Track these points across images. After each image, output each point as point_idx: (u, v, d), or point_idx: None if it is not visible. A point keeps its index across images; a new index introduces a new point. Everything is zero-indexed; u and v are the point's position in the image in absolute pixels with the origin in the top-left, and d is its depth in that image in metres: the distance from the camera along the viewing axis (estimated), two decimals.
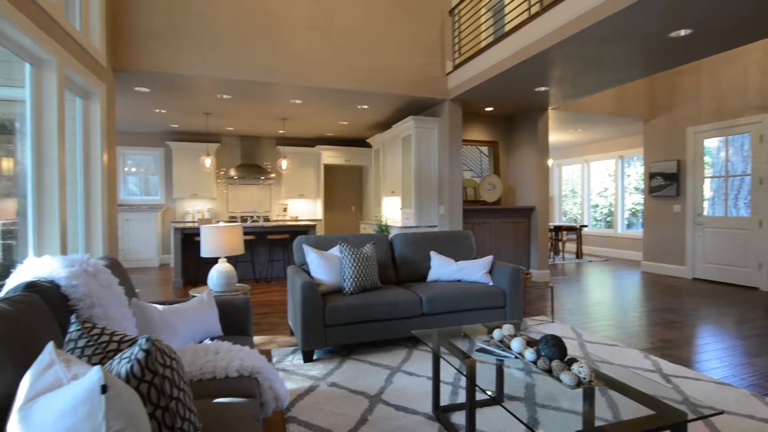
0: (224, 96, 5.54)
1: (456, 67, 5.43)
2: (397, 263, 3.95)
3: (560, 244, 9.21)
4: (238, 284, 4.09)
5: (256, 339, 3.65)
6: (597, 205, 10.15)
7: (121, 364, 1.04)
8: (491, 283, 3.68)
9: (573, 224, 9.26)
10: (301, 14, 4.94)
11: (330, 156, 8.99)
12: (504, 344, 2.10)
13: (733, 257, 6.06)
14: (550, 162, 11.04)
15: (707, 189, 6.52)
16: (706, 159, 6.55)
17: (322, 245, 3.71)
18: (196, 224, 6.88)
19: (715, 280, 6.30)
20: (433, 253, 3.93)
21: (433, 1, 5.57)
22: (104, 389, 0.83)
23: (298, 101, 5.85)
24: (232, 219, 8.71)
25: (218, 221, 8.01)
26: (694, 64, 6.52)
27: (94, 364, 1.22)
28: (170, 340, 2.07)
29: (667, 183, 6.93)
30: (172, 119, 7.09)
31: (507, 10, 6.12)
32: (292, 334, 3.77)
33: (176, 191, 8.21)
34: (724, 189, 6.29)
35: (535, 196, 6.46)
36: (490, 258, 3.82)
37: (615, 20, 3.32)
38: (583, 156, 10.24)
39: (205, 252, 3.66)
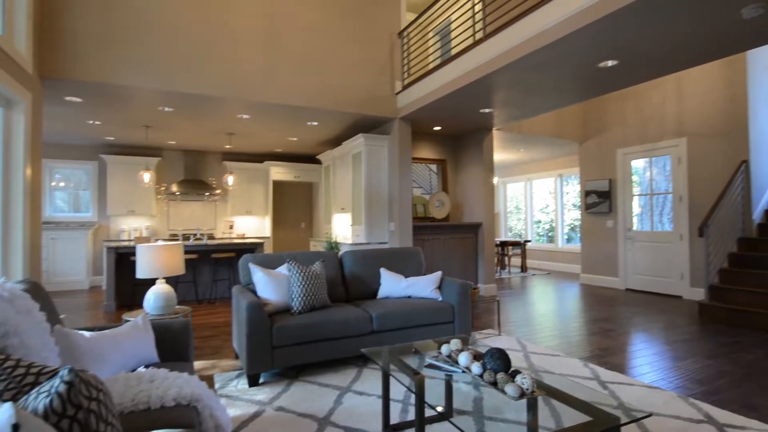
0: (166, 109, 5.31)
1: (405, 87, 5.57)
2: (347, 281, 3.91)
3: (506, 258, 9.56)
4: (177, 306, 3.86)
5: (198, 364, 3.45)
6: (540, 221, 10.68)
7: (39, 399, 0.94)
8: (440, 299, 3.73)
9: (518, 239, 9.66)
10: (251, 29, 4.88)
11: (279, 172, 8.84)
12: (452, 359, 2.12)
13: (660, 268, 6.58)
14: (495, 180, 11.52)
15: (636, 206, 7.06)
16: (634, 178, 7.11)
17: (270, 263, 3.60)
18: (132, 243, 6.46)
19: (644, 290, 6.79)
20: (383, 270, 3.93)
21: (383, 23, 5.71)
22: (15, 428, 0.74)
23: (245, 116, 5.72)
24: (173, 237, 8.26)
25: (157, 239, 7.58)
26: (620, 92, 7.13)
27: (5, 401, 1.09)
28: (98, 369, 1.90)
29: (601, 200, 7.44)
30: (108, 131, 6.68)
31: (453, 35, 6.40)
32: (236, 357, 3.59)
33: (111, 208, 7.68)
34: (650, 206, 6.85)
35: (482, 213, 6.69)
36: (438, 274, 3.88)
37: (549, 50, 3.56)
38: (525, 174, 10.78)
39: (142, 273, 3.43)
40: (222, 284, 6.61)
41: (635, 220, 7.05)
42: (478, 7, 5.80)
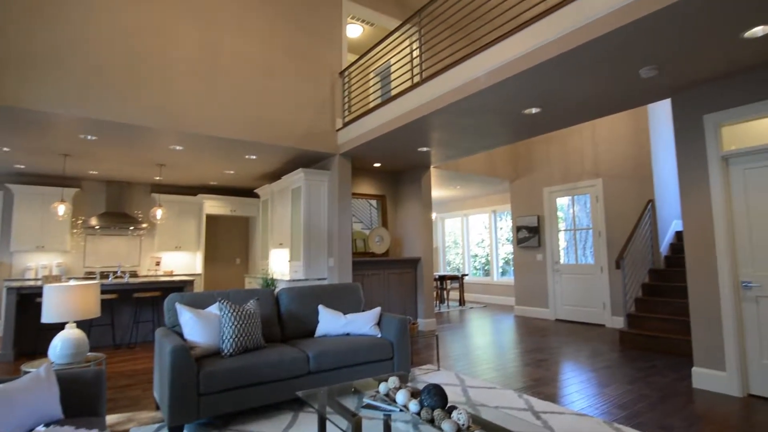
0: (89, 137, 4.95)
1: (345, 125, 5.67)
2: (283, 319, 3.75)
3: (445, 292, 9.74)
4: (90, 353, 3.47)
5: (111, 418, 3.08)
6: (476, 255, 11.07)
7: None
8: (379, 335, 3.68)
9: (456, 273, 9.91)
10: (190, 60, 4.76)
11: (214, 205, 8.48)
12: (390, 398, 2.07)
13: (584, 299, 7.02)
14: (433, 215, 11.88)
15: (562, 240, 7.57)
16: (560, 214, 7.66)
17: (200, 303, 3.37)
18: (39, 282, 5.78)
19: (572, 319, 7.18)
20: (321, 307, 3.83)
21: (325, 62, 5.84)
22: None
23: (178, 148, 5.48)
24: (90, 275, 7.53)
25: (69, 278, 6.86)
26: (545, 136, 7.78)
27: None
28: None
29: (531, 235, 7.89)
30: (17, 159, 6.08)
31: (393, 76, 6.69)
32: (157, 408, 3.26)
33: (15, 243, 6.88)
34: (574, 240, 7.38)
35: (421, 248, 6.82)
36: (377, 310, 3.85)
37: (480, 97, 3.82)
38: (462, 210, 11.22)
39: (48, 316, 3.06)
40: (144, 327, 6.06)
41: (562, 253, 7.53)
42: (416, 53, 6.14)
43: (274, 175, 7.46)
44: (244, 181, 8.05)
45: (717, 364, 3.59)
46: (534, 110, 4.18)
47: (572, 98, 3.89)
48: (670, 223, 6.45)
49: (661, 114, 6.56)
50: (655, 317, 5.25)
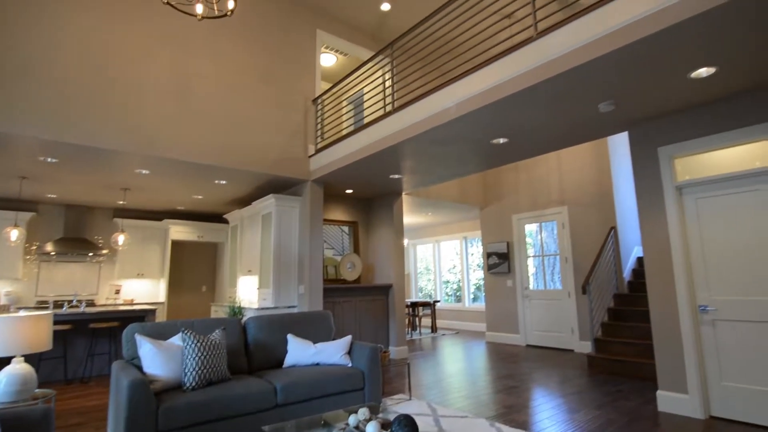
0: (49, 159, 4.76)
1: (318, 151, 5.69)
2: (251, 349, 3.62)
3: (417, 319, 9.68)
4: (38, 390, 3.22)
5: None
6: (448, 281, 11.12)
7: None
8: (350, 365, 3.60)
9: (428, 300, 9.89)
10: (162, 84, 4.70)
11: (180, 231, 8.23)
12: (360, 430, 2.01)
13: (553, 324, 7.13)
14: (405, 242, 11.92)
15: (531, 266, 7.72)
16: (528, 240, 7.84)
17: (161, 333, 3.22)
18: None
19: (542, 345, 7.26)
20: (290, 336, 3.72)
21: (298, 89, 5.89)
22: None
23: (145, 172, 5.34)
24: (42, 304, 7.09)
25: (19, 308, 6.44)
26: (514, 164, 8.03)
27: None
28: None
29: (501, 261, 8.02)
30: None
31: (366, 105, 6.81)
32: None
33: None
34: (542, 266, 7.54)
35: (393, 274, 6.80)
36: (348, 338, 3.77)
37: (449, 127, 3.93)
38: (434, 236, 11.32)
39: None
40: (100, 360, 5.71)
41: (531, 279, 7.67)
42: (388, 83, 6.29)
43: (244, 201, 7.34)
44: (213, 206, 7.88)
45: (680, 387, 3.68)
46: (502, 140, 4.33)
47: (537, 130, 4.06)
48: (632, 249, 6.71)
49: (620, 145, 6.91)
50: (621, 341, 5.38)
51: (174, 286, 8.67)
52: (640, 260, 6.65)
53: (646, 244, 3.98)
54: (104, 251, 7.48)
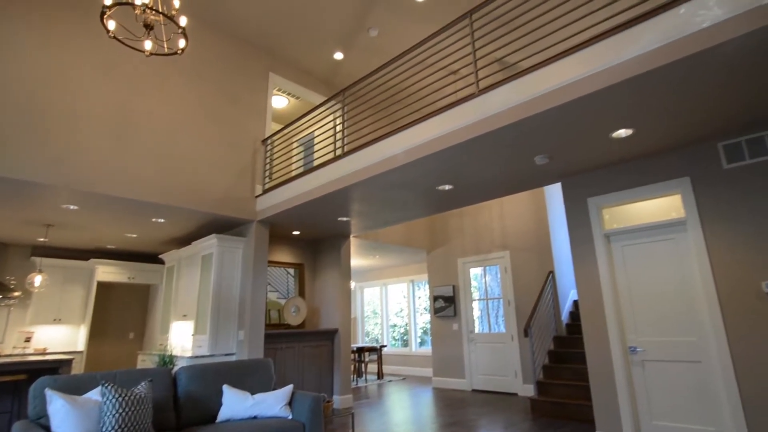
0: None
1: (265, 191, 5.59)
2: (181, 403, 3.31)
3: (363, 365, 9.40)
4: None
5: None
6: (395, 325, 11.00)
7: None
8: (290, 417, 3.38)
9: (374, 345, 9.69)
10: (100, 116, 4.47)
11: (108, 272, 7.59)
12: None
13: (498, 368, 7.19)
14: (352, 285, 11.77)
15: (476, 309, 7.85)
16: (474, 284, 8.01)
17: (77, 387, 2.87)
18: None
19: (487, 389, 7.27)
20: (226, 387, 3.46)
21: (248, 128, 5.84)
22: None
23: (73, 207, 4.95)
24: None
25: None
26: (459, 210, 8.32)
27: None
28: None
29: (447, 304, 8.09)
30: None
31: (316, 147, 6.87)
32: None
33: None
34: (486, 309, 7.69)
35: (339, 318, 6.62)
36: (289, 388, 3.57)
37: (397, 172, 4.04)
38: (381, 279, 11.28)
39: None
40: (1, 419, 4.95)
41: (477, 322, 7.78)
42: (339, 127, 6.42)
43: (184, 240, 6.97)
44: (148, 245, 7.40)
45: (615, 428, 3.80)
46: (447, 187, 4.50)
47: (480, 178, 4.27)
48: (569, 292, 7.05)
49: (555, 194, 7.42)
50: (562, 384, 5.51)
51: (96, 333, 7.87)
52: (576, 303, 6.98)
53: (580, 288, 4.21)
54: (16, 293, 6.69)
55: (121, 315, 8.24)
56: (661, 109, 2.98)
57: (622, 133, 3.34)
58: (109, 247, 7.49)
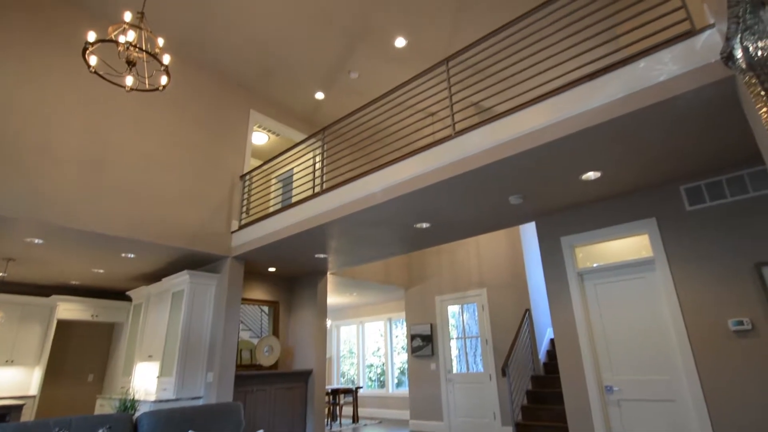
0: None
1: (242, 227, 5.52)
2: None
3: (338, 408, 9.04)
4: None
5: None
6: (372, 365, 10.71)
7: None
8: None
9: (350, 386, 9.37)
10: (72, 148, 4.38)
11: (70, 309, 7.20)
12: None
13: (476, 409, 7.04)
14: (328, 323, 11.51)
15: (454, 348, 7.75)
16: (452, 322, 7.95)
17: None
18: None
19: None
20: None
21: (227, 163, 5.82)
22: None
23: (38, 241, 4.74)
24: None
25: None
26: (437, 247, 8.37)
27: None
28: None
29: (425, 344, 7.97)
30: None
31: (295, 184, 6.88)
32: None
33: None
34: (464, 348, 7.60)
35: (314, 358, 6.42)
36: None
37: (375, 210, 4.09)
38: (358, 317, 11.08)
39: None
40: None
41: (454, 361, 7.66)
42: (318, 164, 6.48)
43: (154, 276, 6.73)
44: (116, 281, 7.10)
45: None
46: (425, 225, 4.55)
47: (456, 217, 4.34)
48: (545, 330, 7.07)
49: (530, 232, 7.58)
50: (541, 425, 5.42)
51: (53, 376, 7.36)
52: (553, 342, 6.99)
53: (556, 326, 4.24)
54: None
55: (80, 356, 7.76)
56: (625, 153, 3.15)
57: (591, 175, 3.49)
58: (73, 282, 7.15)
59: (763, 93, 1.34)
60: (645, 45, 2.91)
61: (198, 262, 5.88)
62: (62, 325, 7.60)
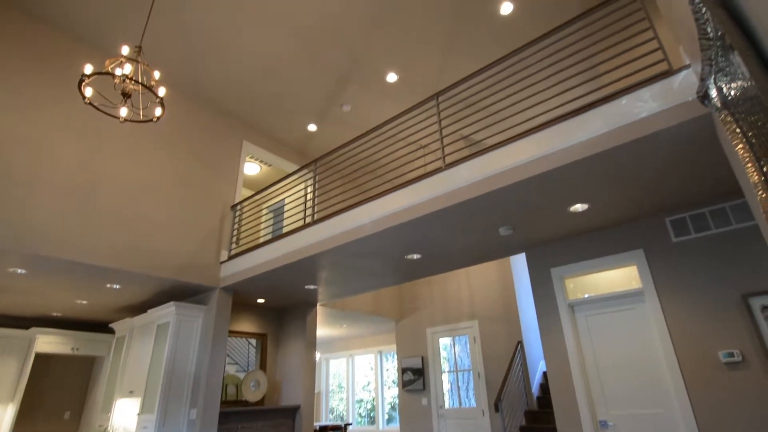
0: None
1: (231, 257, 5.46)
2: None
3: None
4: None
5: None
6: (362, 400, 10.41)
7: None
8: None
9: (339, 423, 9.06)
10: (59, 174, 4.35)
11: (50, 342, 6.95)
12: None
13: None
14: (317, 356, 11.23)
15: (446, 382, 7.59)
16: (443, 354, 7.81)
17: None
18: None
19: None
20: None
21: (218, 193, 5.82)
22: None
23: (21, 271, 4.63)
24: None
25: None
26: (428, 278, 8.33)
27: None
28: None
29: (416, 377, 7.80)
30: None
31: (286, 214, 6.88)
32: None
33: None
34: (456, 382, 7.44)
35: (302, 393, 6.23)
36: None
37: (366, 241, 4.09)
38: (348, 350, 10.84)
39: None
40: None
41: (446, 396, 7.48)
42: (309, 195, 6.51)
43: (139, 308, 6.56)
44: (99, 313, 6.91)
45: None
46: (415, 256, 4.55)
47: (447, 248, 4.36)
48: (538, 363, 6.98)
49: (521, 263, 7.60)
50: None
51: (27, 413, 7.01)
52: (545, 375, 6.88)
53: (548, 359, 4.19)
54: None
55: (57, 391, 7.44)
56: (612, 186, 3.22)
57: (579, 207, 3.55)
58: (54, 314, 6.94)
59: (738, 130, 1.40)
60: (626, 83, 3.04)
61: (185, 293, 5.77)
62: (40, 358, 7.32)
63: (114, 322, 7.15)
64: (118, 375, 6.28)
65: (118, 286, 5.33)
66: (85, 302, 6.17)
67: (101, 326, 7.82)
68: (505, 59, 3.69)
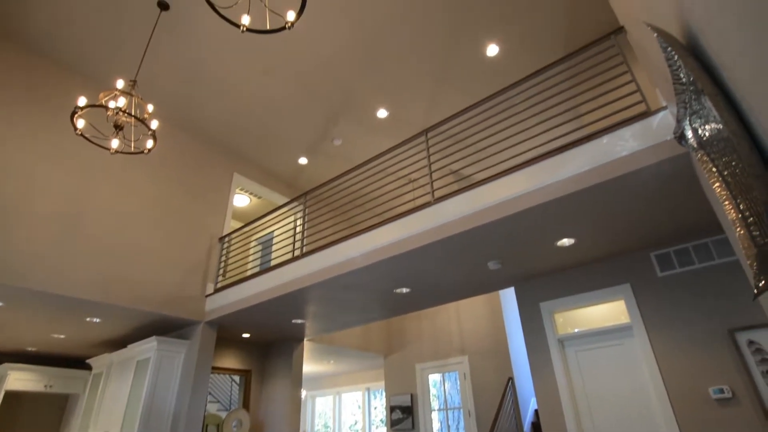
0: None
1: (217, 290, 5.36)
2: None
3: None
4: None
5: None
6: None
7: None
8: None
9: None
10: (41, 203, 4.29)
11: (21, 379, 6.62)
12: None
13: None
14: (303, 393, 10.87)
15: (436, 420, 7.36)
16: (433, 391, 7.62)
17: None
18: None
19: None
20: None
21: (206, 225, 5.77)
22: None
23: None
24: None
25: None
26: (417, 313, 8.23)
27: None
28: None
29: (405, 416, 7.56)
30: None
31: (275, 247, 6.82)
32: None
33: None
34: (446, 420, 7.23)
35: None
36: None
37: (355, 275, 4.06)
38: (335, 387, 10.52)
39: None
40: None
41: None
42: (299, 228, 6.49)
43: (118, 343, 6.34)
44: (76, 348, 6.65)
45: None
46: (404, 290, 4.52)
47: (436, 282, 4.35)
48: (529, 400, 6.83)
49: (510, 298, 7.57)
50: None
51: None
52: (537, 413, 6.73)
53: (540, 398, 4.11)
54: None
55: (28, 431, 7.03)
56: (596, 221, 3.29)
57: (566, 242, 3.60)
58: (29, 349, 6.66)
59: (714, 169, 1.45)
60: (608, 122, 3.16)
61: (168, 328, 5.60)
62: (10, 396, 6.95)
63: (91, 357, 6.87)
64: (93, 413, 5.98)
65: (98, 320, 5.17)
66: (62, 336, 5.95)
67: (78, 362, 7.51)
68: (491, 98, 3.82)
